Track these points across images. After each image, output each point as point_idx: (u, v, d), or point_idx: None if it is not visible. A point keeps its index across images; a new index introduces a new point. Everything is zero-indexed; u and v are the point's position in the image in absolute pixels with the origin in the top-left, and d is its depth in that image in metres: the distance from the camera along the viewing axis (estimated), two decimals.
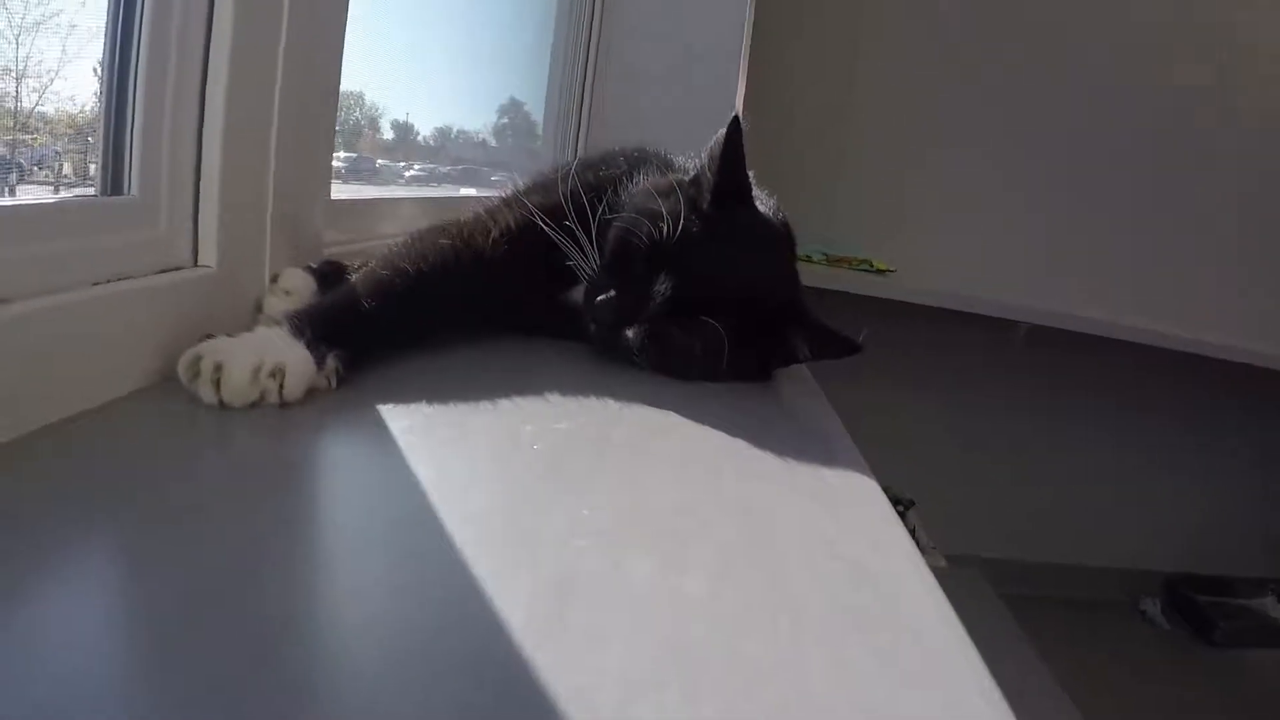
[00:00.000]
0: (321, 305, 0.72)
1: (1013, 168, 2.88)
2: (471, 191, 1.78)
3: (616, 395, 0.74)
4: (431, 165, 1.77)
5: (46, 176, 0.72)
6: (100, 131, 0.67)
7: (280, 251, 0.81)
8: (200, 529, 0.43)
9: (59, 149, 0.72)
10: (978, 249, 2.85)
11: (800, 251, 0.97)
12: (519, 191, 0.93)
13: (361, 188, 1.45)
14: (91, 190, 0.68)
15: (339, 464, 0.59)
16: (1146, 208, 2.90)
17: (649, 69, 2.00)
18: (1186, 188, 2.90)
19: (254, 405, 0.59)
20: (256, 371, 0.59)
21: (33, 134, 0.69)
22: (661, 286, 0.80)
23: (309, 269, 0.84)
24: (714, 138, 0.86)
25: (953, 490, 2.90)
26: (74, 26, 0.66)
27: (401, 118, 1.60)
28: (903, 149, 2.88)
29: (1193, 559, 3.17)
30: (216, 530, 0.43)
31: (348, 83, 0.95)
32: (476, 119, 1.96)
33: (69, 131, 0.72)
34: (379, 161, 1.58)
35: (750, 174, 0.88)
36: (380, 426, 0.60)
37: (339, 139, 1.08)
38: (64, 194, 0.72)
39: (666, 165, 0.96)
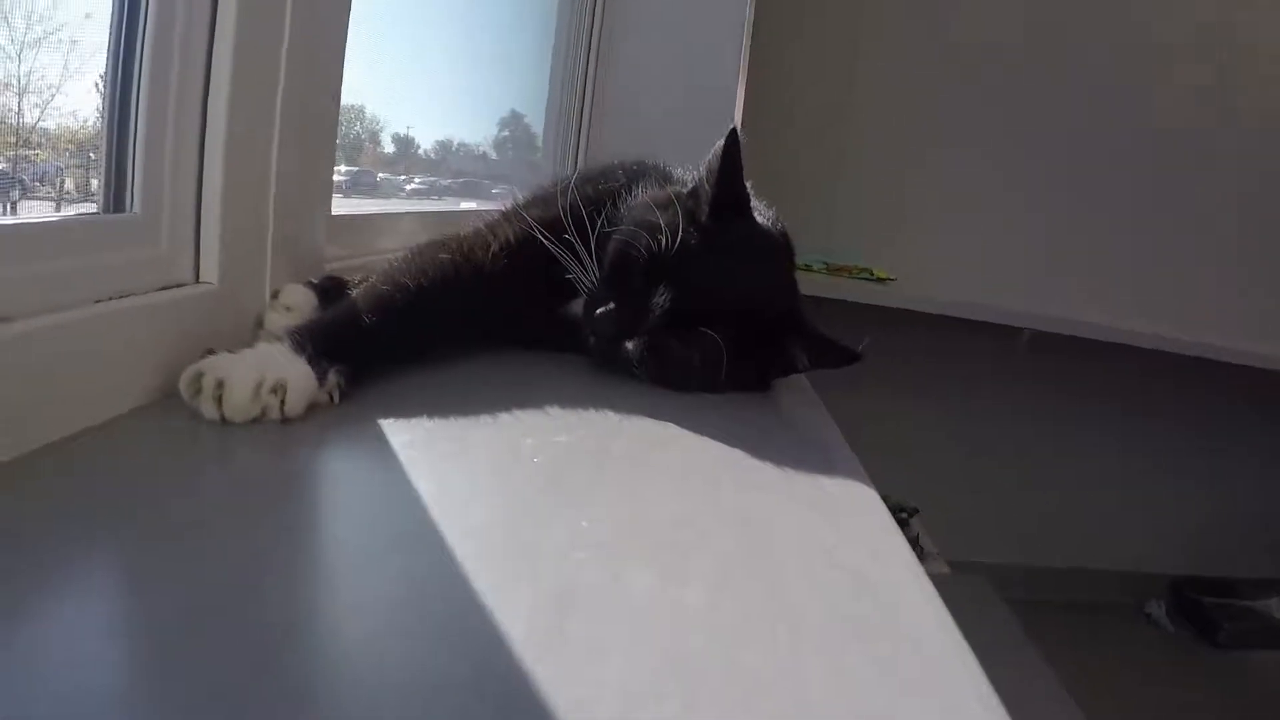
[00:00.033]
0: (322, 321, 0.72)
1: (1012, 169, 2.88)
2: (472, 204, 1.79)
3: (616, 407, 0.75)
4: (432, 178, 1.78)
5: (48, 192, 0.72)
6: (103, 148, 0.67)
7: (281, 267, 0.81)
8: (202, 544, 0.43)
9: (61, 165, 0.72)
10: (978, 253, 2.85)
11: (800, 261, 0.97)
12: (518, 205, 0.94)
13: (363, 201, 1.46)
14: (93, 206, 0.68)
15: (340, 478, 0.59)
16: (1147, 209, 2.90)
17: (648, 79, 2.00)
18: (1187, 188, 2.90)
19: (256, 421, 0.60)
20: (258, 387, 0.59)
21: (35, 149, 0.70)
22: (660, 299, 0.80)
23: (310, 284, 0.84)
24: (712, 150, 0.86)
25: (957, 497, 2.89)
26: (75, 42, 0.67)
27: (403, 131, 1.61)
28: (903, 150, 2.88)
29: (1198, 561, 3.16)
30: (218, 545, 0.43)
31: (349, 96, 0.96)
32: (477, 131, 1.97)
33: (70, 147, 0.72)
34: (380, 175, 1.59)
35: (749, 184, 0.88)
36: (381, 441, 0.60)
37: (340, 153, 1.09)
38: (66, 209, 0.72)
39: (665, 178, 0.96)
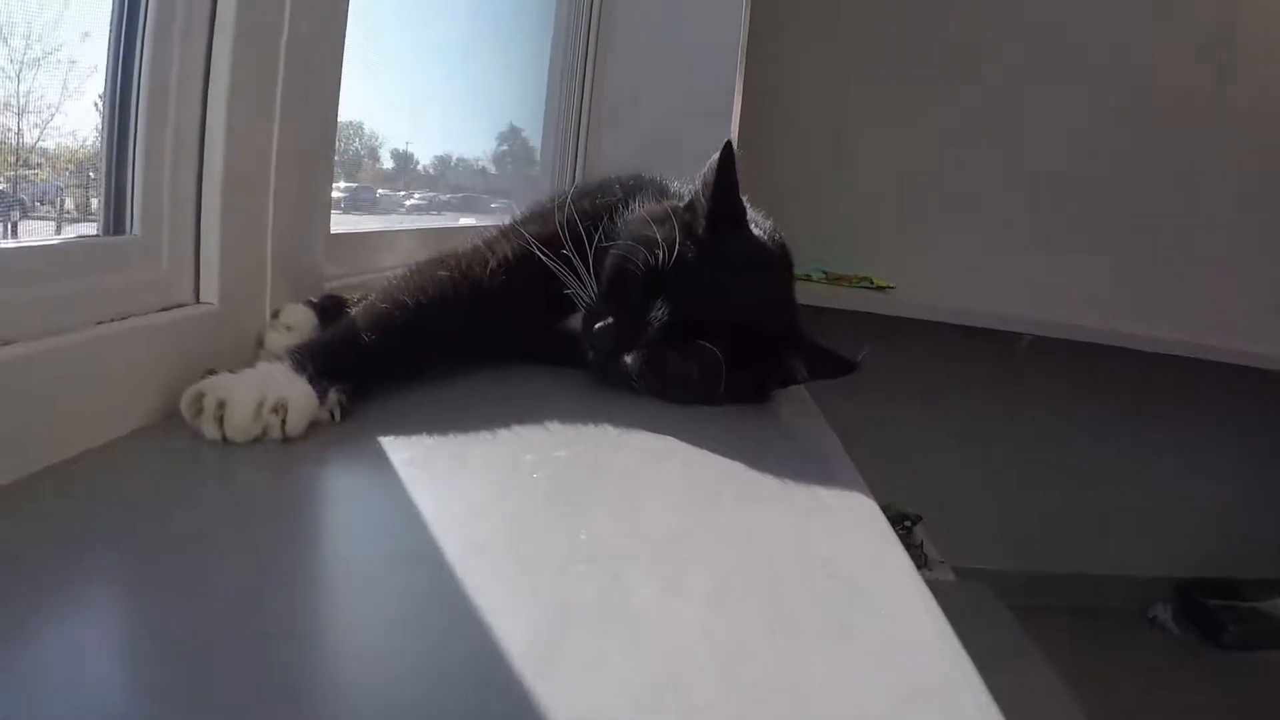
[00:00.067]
0: (322, 340, 0.73)
1: (1010, 173, 2.89)
2: (471, 219, 1.79)
3: (615, 421, 0.75)
4: (431, 193, 1.78)
5: (48, 212, 0.73)
6: (102, 169, 0.68)
7: (281, 287, 0.81)
8: (203, 562, 0.43)
9: (61, 184, 0.73)
10: (977, 260, 2.85)
11: (799, 271, 0.97)
12: (516, 221, 0.94)
13: (362, 217, 1.47)
14: (94, 225, 0.69)
15: (341, 497, 0.59)
16: (1147, 210, 2.90)
17: (644, 89, 2.01)
18: (1187, 189, 2.91)
19: (257, 440, 0.60)
20: (259, 407, 0.60)
21: (35, 169, 0.70)
22: (658, 312, 0.81)
23: (310, 303, 0.84)
24: (707, 164, 0.87)
25: (960, 504, 2.89)
26: (74, 62, 0.67)
27: (401, 147, 1.62)
28: (903, 150, 2.89)
29: (1200, 564, 3.15)
30: (220, 562, 0.44)
31: (347, 113, 0.96)
32: (476, 147, 1.97)
33: (70, 167, 0.72)
34: (379, 191, 1.60)
35: (745, 198, 0.89)
36: (382, 458, 0.60)
37: (339, 169, 1.09)
38: (67, 229, 0.73)
39: (662, 192, 0.97)
